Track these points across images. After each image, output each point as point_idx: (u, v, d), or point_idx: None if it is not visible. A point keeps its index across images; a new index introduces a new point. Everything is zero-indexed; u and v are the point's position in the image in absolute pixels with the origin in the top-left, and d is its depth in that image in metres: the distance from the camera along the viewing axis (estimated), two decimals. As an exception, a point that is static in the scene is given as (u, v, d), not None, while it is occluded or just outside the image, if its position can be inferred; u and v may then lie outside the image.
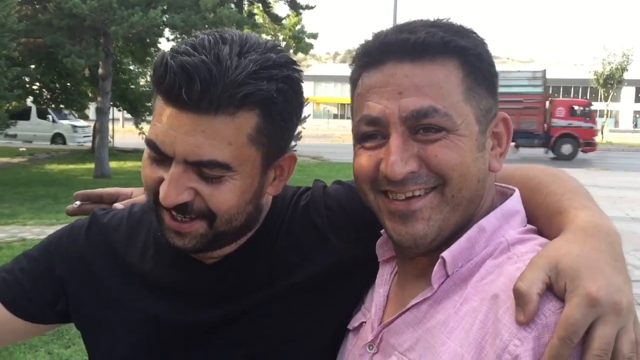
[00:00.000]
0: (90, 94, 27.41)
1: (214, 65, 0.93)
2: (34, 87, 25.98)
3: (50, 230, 8.52)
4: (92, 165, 20.93)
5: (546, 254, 0.87)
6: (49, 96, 26.79)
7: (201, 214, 1.02)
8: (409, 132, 0.95)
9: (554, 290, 0.85)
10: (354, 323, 1.14)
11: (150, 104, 27.30)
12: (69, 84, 25.59)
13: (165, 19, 19.14)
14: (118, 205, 1.34)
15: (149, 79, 29.67)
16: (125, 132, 40.11)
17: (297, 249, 1.17)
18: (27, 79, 23.36)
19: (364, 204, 1.05)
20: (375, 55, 0.98)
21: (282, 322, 1.14)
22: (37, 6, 20.69)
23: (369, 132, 0.99)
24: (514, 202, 1.02)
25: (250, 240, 1.16)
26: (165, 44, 24.39)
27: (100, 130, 21.07)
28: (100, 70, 20.62)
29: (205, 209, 1.02)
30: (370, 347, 1.04)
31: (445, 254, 0.95)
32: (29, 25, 19.70)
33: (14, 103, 22.04)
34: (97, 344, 1.20)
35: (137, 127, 28.05)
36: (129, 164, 24.15)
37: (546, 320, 0.83)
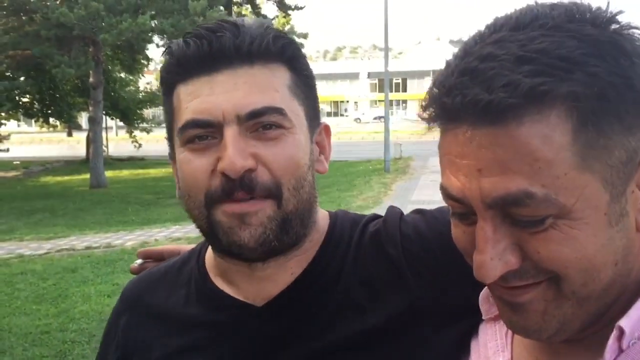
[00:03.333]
0: (80, 104, 27.25)
1: (239, 22, 0.95)
2: (24, 99, 25.78)
3: (48, 245, 8.47)
4: (87, 176, 20.79)
5: None
6: (39, 107, 26.59)
7: (269, 191, 0.91)
8: (502, 215, 0.69)
9: None
10: None
11: (140, 112, 27.37)
12: (57, 95, 25.40)
13: (154, 25, 18.98)
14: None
15: (140, 86, 29.58)
16: (120, 141, 39.90)
17: (366, 284, 0.99)
18: (16, 92, 23.15)
19: (451, 236, 0.82)
20: (446, 110, 0.70)
21: None
22: (23, 17, 20.49)
23: (456, 211, 0.76)
24: None
25: (307, 272, 1.01)
26: (154, 51, 24.28)
27: (94, 140, 20.94)
28: (91, 79, 20.47)
29: (271, 183, 0.91)
30: None
31: (623, 322, 0.70)
32: (16, 37, 19.51)
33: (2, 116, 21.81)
34: None
35: (130, 135, 27.91)
36: (125, 172, 24.02)
37: None
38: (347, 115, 78.87)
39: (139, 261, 1.32)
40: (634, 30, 0.69)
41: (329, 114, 79.71)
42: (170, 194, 16.92)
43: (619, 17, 0.69)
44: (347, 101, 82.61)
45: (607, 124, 0.66)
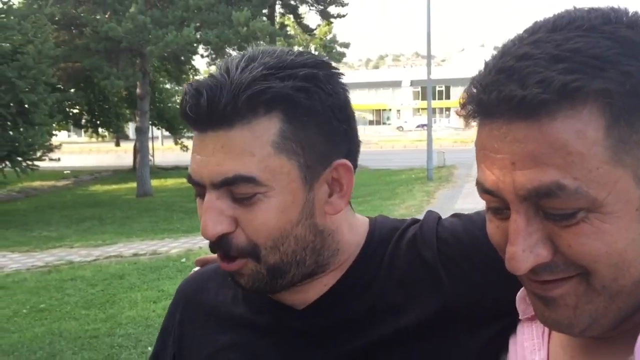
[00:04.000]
0: (127, 115, 27.98)
1: (221, 77, 0.89)
2: (74, 110, 26.61)
3: (97, 252, 8.64)
4: (134, 185, 21.25)
5: None
6: (88, 118, 27.41)
7: (243, 251, 0.93)
8: (535, 208, 0.71)
9: None
10: None
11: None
12: (106, 106, 26.16)
13: (199, 36, 19.35)
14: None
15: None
16: (165, 150, 40.73)
17: (402, 286, 1.01)
18: (66, 103, 23.92)
19: (488, 239, 0.83)
20: (482, 106, 0.73)
21: None
22: (74, 31, 21.18)
23: (490, 205, 0.78)
24: None
25: (343, 278, 1.04)
26: (200, 61, 24.84)
27: (141, 150, 21.40)
28: (138, 90, 20.97)
29: (246, 244, 0.92)
30: None
31: None
32: (67, 50, 20.19)
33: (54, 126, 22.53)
34: None
35: (176, 143, 28.47)
36: (170, 182, 24.46)
37: None
38: (389, 124, 78.63)
39: (197, 269, 1.37)
40: None
41: (371, 122, 79.60)
42: (214, 203, 17.13)
43: None
44: (390, 109, 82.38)
45: (636, 122, 0.67)
